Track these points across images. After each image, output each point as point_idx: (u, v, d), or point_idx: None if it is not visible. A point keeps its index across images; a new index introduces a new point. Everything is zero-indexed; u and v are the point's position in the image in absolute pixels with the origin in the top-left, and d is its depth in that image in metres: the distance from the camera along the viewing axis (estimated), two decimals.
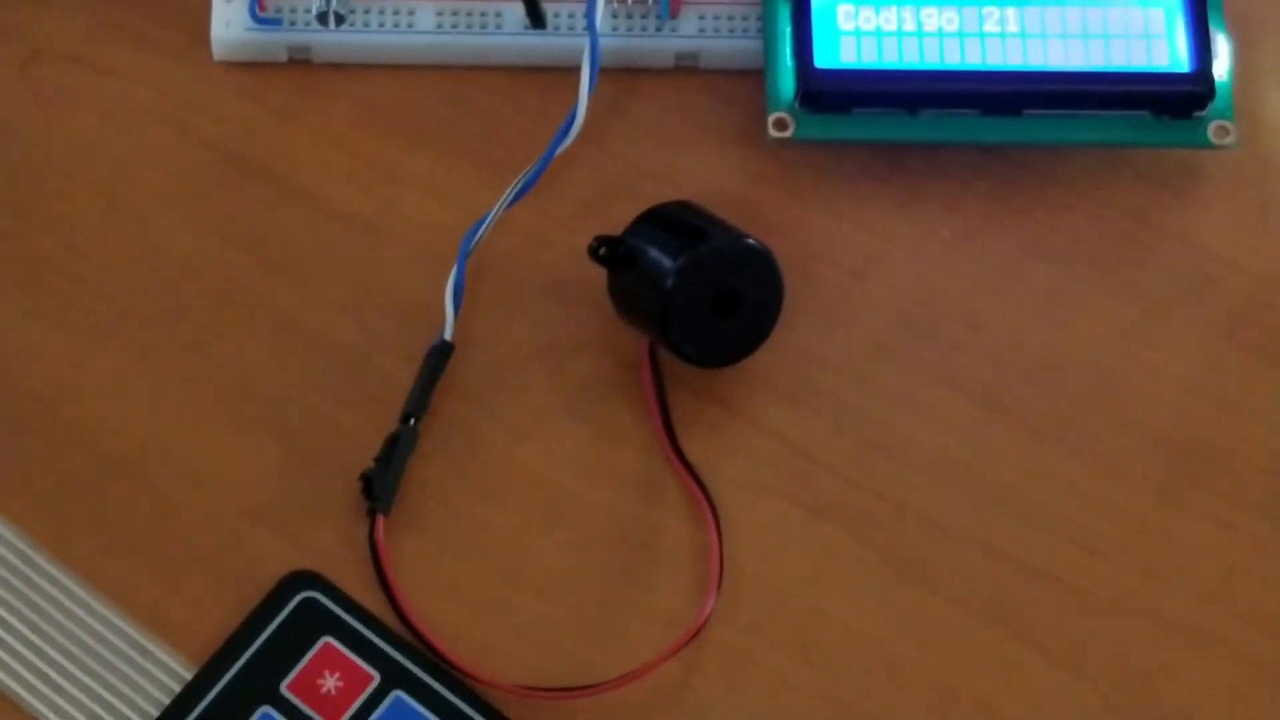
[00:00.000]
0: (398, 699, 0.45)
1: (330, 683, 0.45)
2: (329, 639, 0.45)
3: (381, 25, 0.52)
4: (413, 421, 0.47)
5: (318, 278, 0.50)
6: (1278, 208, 0.52)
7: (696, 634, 0.46)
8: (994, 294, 0.50)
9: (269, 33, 0.52)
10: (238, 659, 0.45)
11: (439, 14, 0.52)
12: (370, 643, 0.45)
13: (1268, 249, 0.51)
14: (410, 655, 0.45)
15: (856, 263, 0.51)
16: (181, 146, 0.51)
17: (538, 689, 0.45)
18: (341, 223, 0.50)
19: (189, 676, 0.45)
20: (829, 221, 0.51)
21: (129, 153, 0.51)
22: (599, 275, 0.49)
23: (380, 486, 0.46)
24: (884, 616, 0.47)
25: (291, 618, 0.46)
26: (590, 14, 0.50)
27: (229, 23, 0.52)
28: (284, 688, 0.45)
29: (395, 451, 0.47)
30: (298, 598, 0.46)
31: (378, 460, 0.47)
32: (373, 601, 0.46)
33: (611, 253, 0.48)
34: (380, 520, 0.46)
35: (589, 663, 0.46)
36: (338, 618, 0.46)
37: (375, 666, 0.45)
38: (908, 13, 0.51)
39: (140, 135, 0.51)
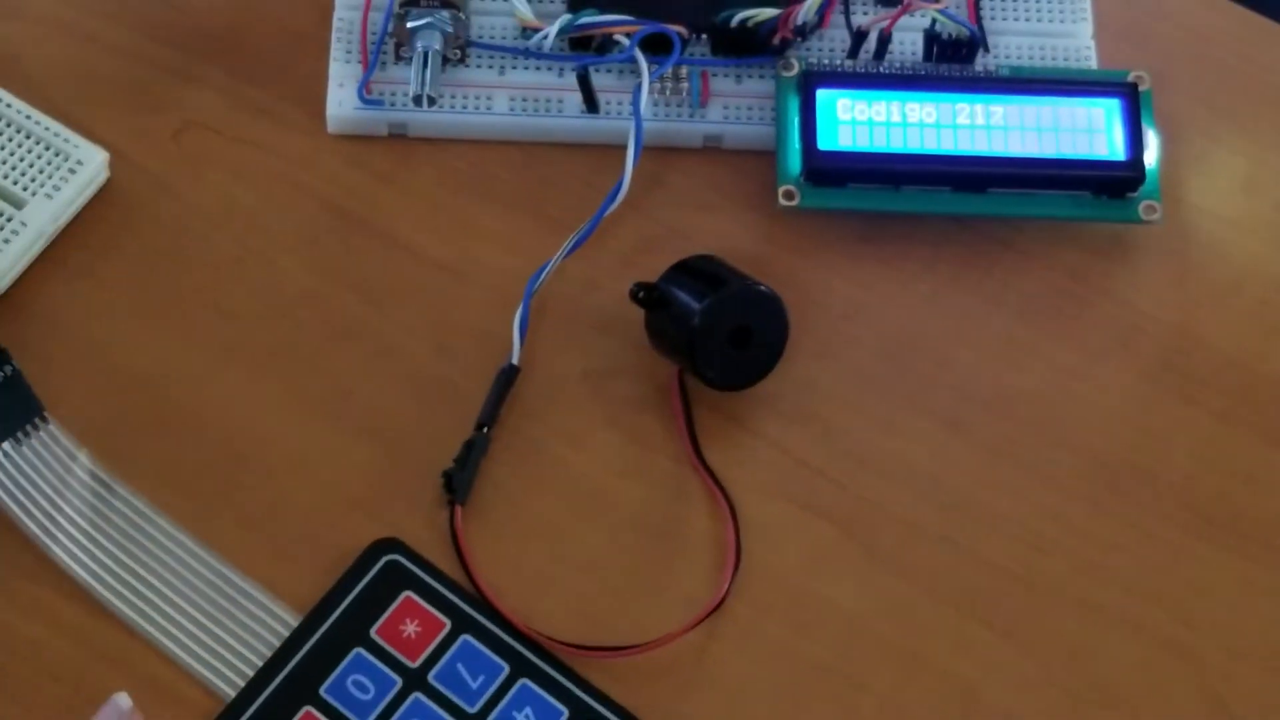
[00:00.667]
0: (465, 641, 0.46)
1: (410, 628, 0.46)
2: (409, 593, 0.47)
3: (465, 107, 0.53)
4: (485, 430, 0.48)
5: (408, 311, 0.51)
6: (1192, 272, 0.52)
7: (715, 609, 0.47)
8: (959, 338, 0.51)
9: (373, 111, 0.53)
10: (335, 610, 0.46)
11: (511, 99, 0.53)
12: (443, 597, 0.47)
13: (1184, 307, 0.52)
14: (476, 608, 0.46)
15: (847, 309, 0.52)
16: (300, 202, 0.52)
17: (579, 646, 0.46)
18: (428, 267, 0.51)
19: (296, 624, 0.46)
20: (826, 275, 0.52)
21: (258, 207, 0.52)
22: (638, 314, 0.50)
23: (459, 482, 0.48)
24: (865, 598, 0.48)
25: (378, 576, 0.47)
26: (635, 102, 0.52)
27: (341, 103, 0.53)
28: (372, 633, 0.46)
29: (471, 454, 0.48)
30: (383, 560, 0.47)
31: (456, 460, 0.48)
32: (446, 570, 0.47)
33: (648, 296, 0.49)
34: (458, 510, 0.47)
35: (623, 628, 0.47)
36: (416, 576, 0.47)
37: (448, 615, 0.46)
38: (894, 107, 0.52)
39: (267, 193, 0.52)
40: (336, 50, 0.53)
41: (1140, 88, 0.52)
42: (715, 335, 0.48)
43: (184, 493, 0.48)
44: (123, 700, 0.41)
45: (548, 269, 0.50)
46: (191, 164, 0.52)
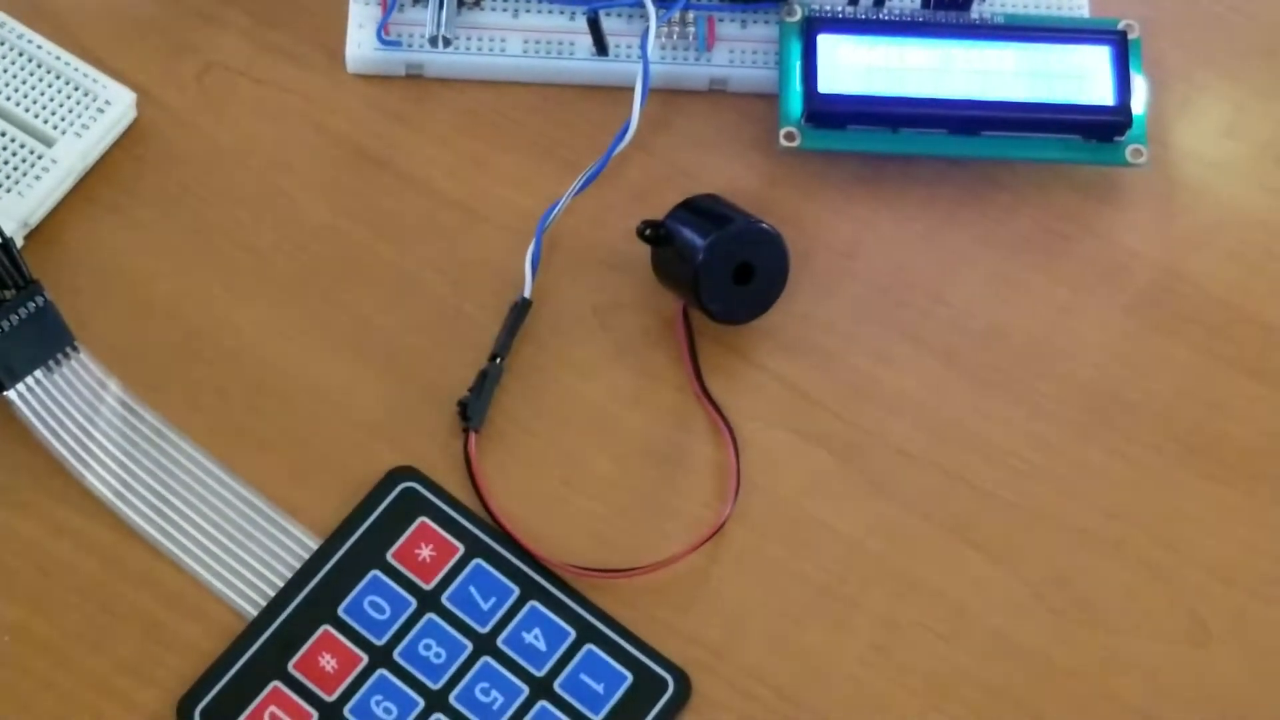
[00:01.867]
0: (478, 565, 0.46)
1: (425, 553, 0.46)
2: (424, 519, 0.46)
3: (479, 49, 0.52)
4: (499, 360, 0.48)
5: (425, 247, 0.50)
6: (1177, 214, 0.52)
7: (717, 531, 0.47)
8: (954, 274, 0.51)
9: (391, 52, 0.52)
10: (353, 533, 0.46)
11: (525, 41, 0.52)
12: (457, 522, 0.47)
13: (1168, 246, 0.52)
14: (489, 533, 0.46)
15: (846, 246, 0.51)
16: (320, 141, 0.51)
17: (587, 568, 0.46)
18: (444, 205, 0.51)
19: (315, 547, 0.46)
20: (826, 213, 0.52)
21: (279, 145, 0.51)
22: (644, 250, 0.49)
23: (473, 410, 0.47)
24: (861, 522, 0.48)
25: (395, 502, 0.47)
26: (643, 45, 0.51)
27: (360, 43, 0.52)
28: (389, 556, 0.46)
29: (485, 383, 0.48)
30: (400, 486, 0.47)
31: (471, 390, 0.48)
32: (460, 497, 0.47)
33: (655, 233, 0.49)
34: (473, 437, 0.47)
35: (630, 551, 0.47)
36: (431, 503, 0.47)
37: (461, 541, 0.46)
38: (894, 52, 0.51)
39: (288, 132, 0.51)
40: None
41: (1130, 35, 0.52)
42: (719, 271, 0.48)
43: (209, 419, 0.47)
44: None
45: (559, 207, 0.50)
46: (215, 104, 0.52)
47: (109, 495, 0.46)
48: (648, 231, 0.49)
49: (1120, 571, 0.47)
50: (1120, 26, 0.52)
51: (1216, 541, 0.48)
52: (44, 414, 0.46)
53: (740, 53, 0.53)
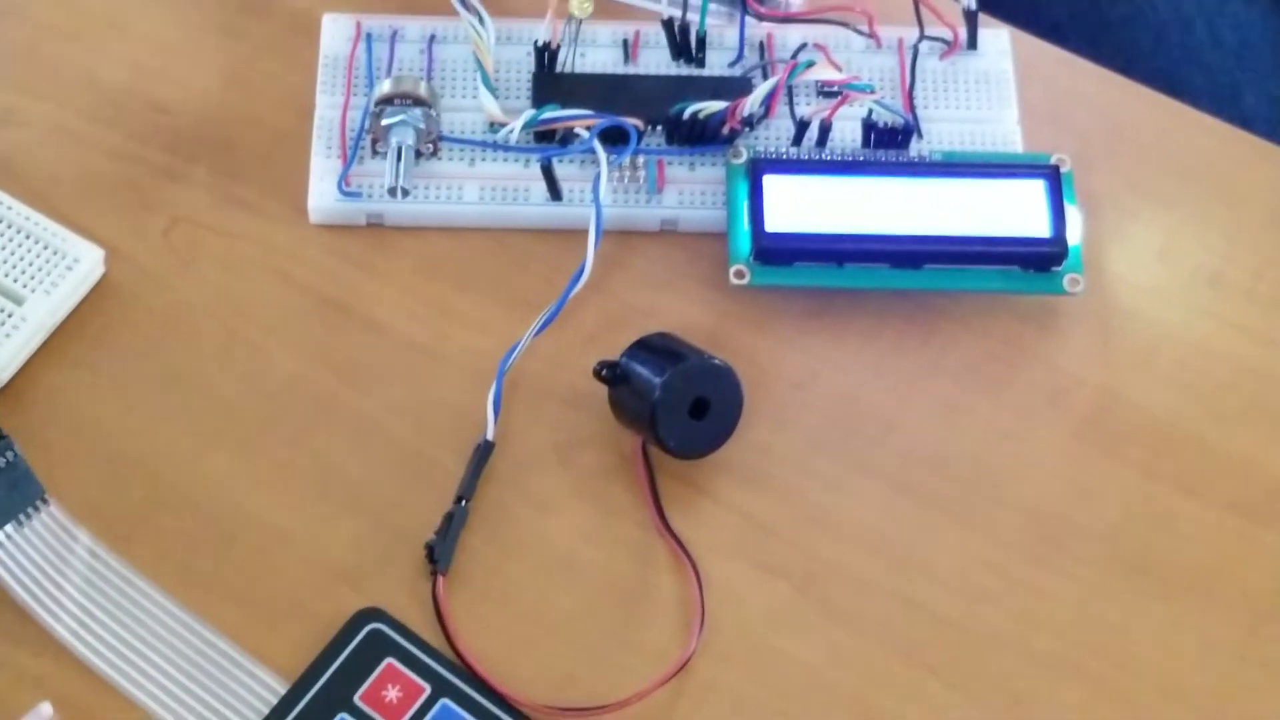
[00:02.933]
0: (445, 705, 0.45)
1: (392, 693, 0.45)
2: (391, 660, 0.46)
3: (437, 198, 0.52)
4: (464, 502, 0.48)
5: (388, 391, 0.50)
6: (1115, 338, 0.52)
7: (683, 667, 0.46)
8: (903, 402, 0.51)
9: (352, 202, 0.52)
10: (321, 676, 0.45)
11: (481, 189, 0.52)
12: (423, 663, 0.46)
13: (1108, 369, 0.52)
14: (454, 672, 0.45)
15: (798, 378, 0.51)
16: (284, 291, 0.51)
17: (554, 708, 0.45)
18: (406, 349, 0.50)
19: (284, 691, 0.45)
20: (777, 347, 0.51)
21: (245, 296, 0.51)
22: (602, 389, 0.49)
23: (440, 552, 0.47)
24: (820, 650, 0.47)
25: (362, 644, 0.46)
26: (596, 190, 0.51)
27: (322, 195, 0.52)
28: (356, 698, 0.45)
29: (451, 526, 0.47)
30: (366, 628, 0.46)
31: (437, 532, 0.47)
32: (427, 637, 0.46)
33: (611, 373, 0.49)
34: (440, 579, 0.47)
35: (597, 688, 0.46)
36: (397, 643, 0.46)
37: (428, 681, 0.45)
38: (837, 190, 0.51)
39: (253, 282, 0.51)
40: (317, 146, 0.53)
41: (1062, 169, 0.52)
42: (675, 407, 0.48)
43: (178, 568, 0.46)
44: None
45: (518, 348, 0.49)
46: (182, 258, 0.51)
47: (80, 647, 0.45)
48: (604, 371, 0.48)
49: (1075, 692, 0.46)
50: (1053, 161, 0.52)
51: (1167, 658, 0.47)
52: (14, 567, 0.45)
53: (689, 194, 0.53)
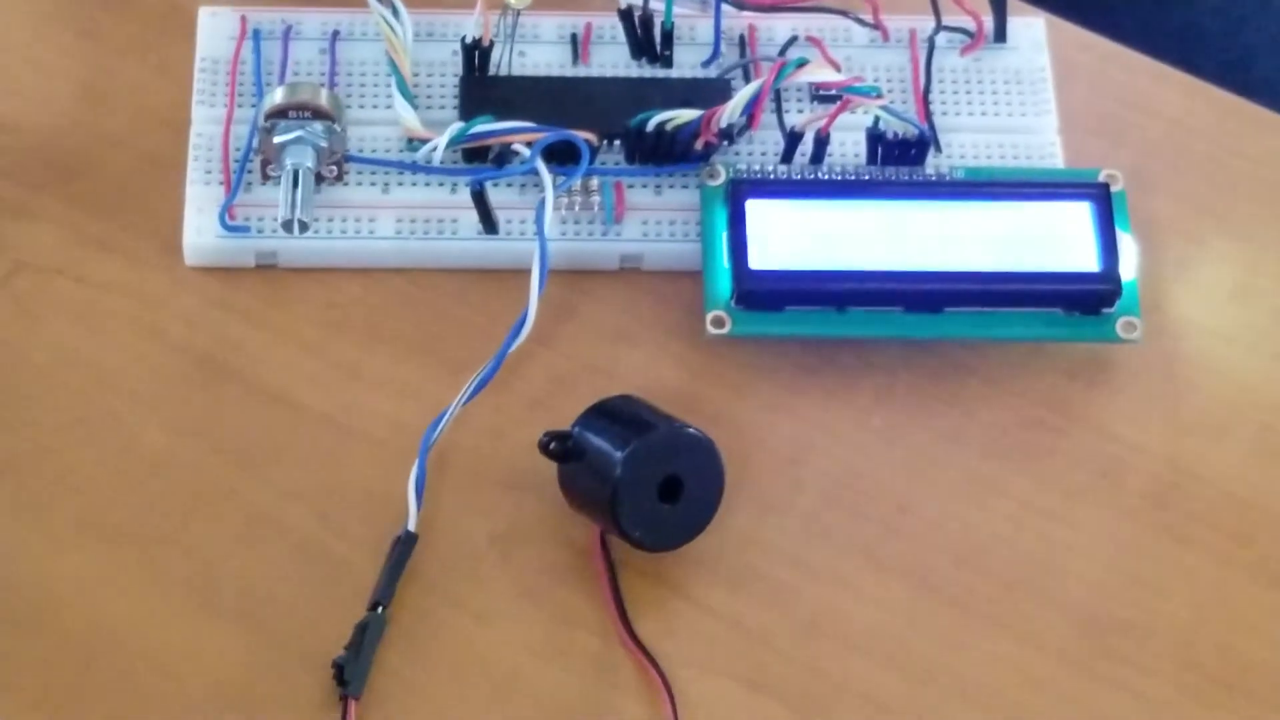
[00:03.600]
0: None
1: None
2: None
3: (344, 232, 0.53)
4: (380, 609, 0.48)
5: (285, 473, 0.51)
6: (1182, 395, 0.53)
7: None
8: (920, 479, 0.52)
9: (238, 240, 0.53)
10: None
11: (398, 221, 0.53)
12: None
13: (1174, 434, 0.53)
14: None
15: (791, 450, 0.52)
16: (154, 350, 0.52)
17: None
18: (307, 420, 0.51)
19: None
20: (765, 411, 0.53)
21: (104, 357, 0.51)
22: (550, 467, 0.50)
23: (351, 672, 0.47)
24: None
25: None
26: (539, 220, 0.52)
27: (201, 231, 0.53)
28: None
29: (364, 639, 0.48)
30: None
31: (348, 647, 0.48)
32: None
33: (561, 446, 0.49)
34: (352, 705, 0.47)
35: None
36: None
37: None
38: (836, 217, 0.53)
39: (115, 340, 0.52)
40: (194, 171, 0.54)
41: (1113, 188, 0.53)
42: (640, 488, 0.48)
43: (26, 698, 0.47)
44: None
45: (446, 418, 0.50)
46: (27, 311, 0.52)
47: None
48: (552, 445, 0.49)
49: None
50: (1101, 178, 0.54)
51: None
52: None
53: (655, 224, 0.54)
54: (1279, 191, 0.57)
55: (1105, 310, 0.52)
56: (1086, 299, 0.52)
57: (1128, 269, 0.53)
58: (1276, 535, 0.51)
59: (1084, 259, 0.52)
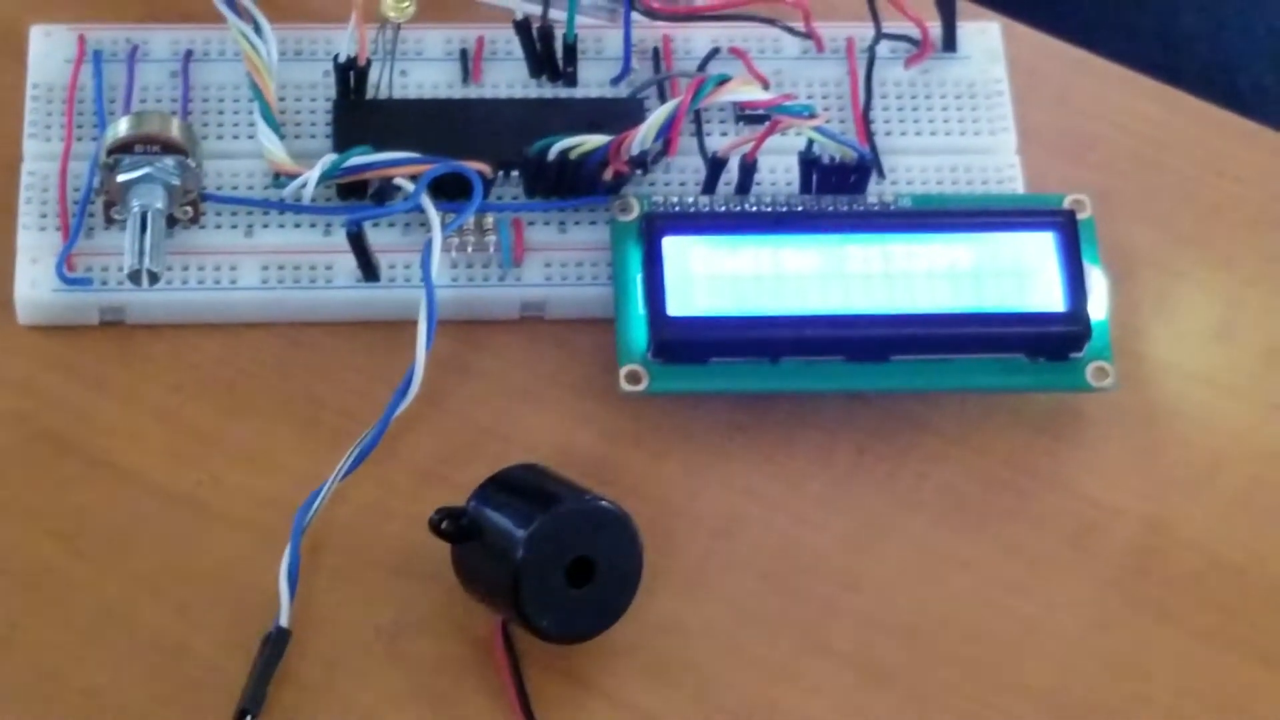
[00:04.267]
0: None
1: None
2: None
3: (201, 282, 0.53)
4: (249, 718, 0.48)
5: (136, 561, 0.50)
6: (1162, 448, 0.54)
7: None
8: (867, 551, 0.52)
9: (78, 293, 0.53)
10: None
11: (264, 268, 0.54)
12: None
13: (1153, 492, 0.53)
14: None
15: (720, 522, 0.52)
16: None
17: None
18: (161, 500, 0.51)
19: None
20: (690, 479, 0.53)
21: None
22: (443, 548, 0.50)
23: None
24: None
25: None
26: (426, 264, 0.52)
27: (35, 283, 0.53)
28: None
29: None
30: None
31: None
32: None
33: (454, 525, 0.50)
34: None
35: None
36: None
37: None
38: (765, 255, 0.53)
39: None
40: (26, 215, 0.54)
41: (1079, 215, 0.54)
42: (546, 571, 0.49)
43: None
44: None
45: (322, 494, 0.50)
46: None
47: None
48: (445, 523, 0.49)
49: None
50: (1066, 204, 0.55)
51: None
52: None
53: (560, 266, 0.54)
54: (1268, 215, 0.57)
55: (1073, 355, 0.53)
56: (1052, 342, 0.53)
57: (1098, 307, 0.53)
58: (1271, 605, 0.52)
59: (1048, 297, 0.53)
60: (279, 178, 0.54)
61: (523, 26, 0.56)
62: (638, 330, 0.52)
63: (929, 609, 0.51)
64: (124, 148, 0.53)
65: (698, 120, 0.56)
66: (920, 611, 0.51)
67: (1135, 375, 0.54)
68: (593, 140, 0.54)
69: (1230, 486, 0.53)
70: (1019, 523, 0.52)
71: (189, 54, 0.56)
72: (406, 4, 0.55)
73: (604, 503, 0.49)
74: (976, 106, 0.57)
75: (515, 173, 0.55)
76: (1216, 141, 0.58)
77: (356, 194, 0.54)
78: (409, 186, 0.53)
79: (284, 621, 0.49)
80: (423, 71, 0.57)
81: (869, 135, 0.56)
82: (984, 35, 0.58)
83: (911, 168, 0.56)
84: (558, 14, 0.56)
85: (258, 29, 0.55)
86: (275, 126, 0.54)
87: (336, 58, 0.55)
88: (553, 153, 0.54)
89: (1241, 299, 0.56)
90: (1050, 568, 0.52)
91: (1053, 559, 0.52)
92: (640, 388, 0.52)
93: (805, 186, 0.55)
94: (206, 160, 0.54)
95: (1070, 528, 0.52)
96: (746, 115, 0.56)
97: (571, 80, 0.57)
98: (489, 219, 0.54)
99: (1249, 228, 0.57)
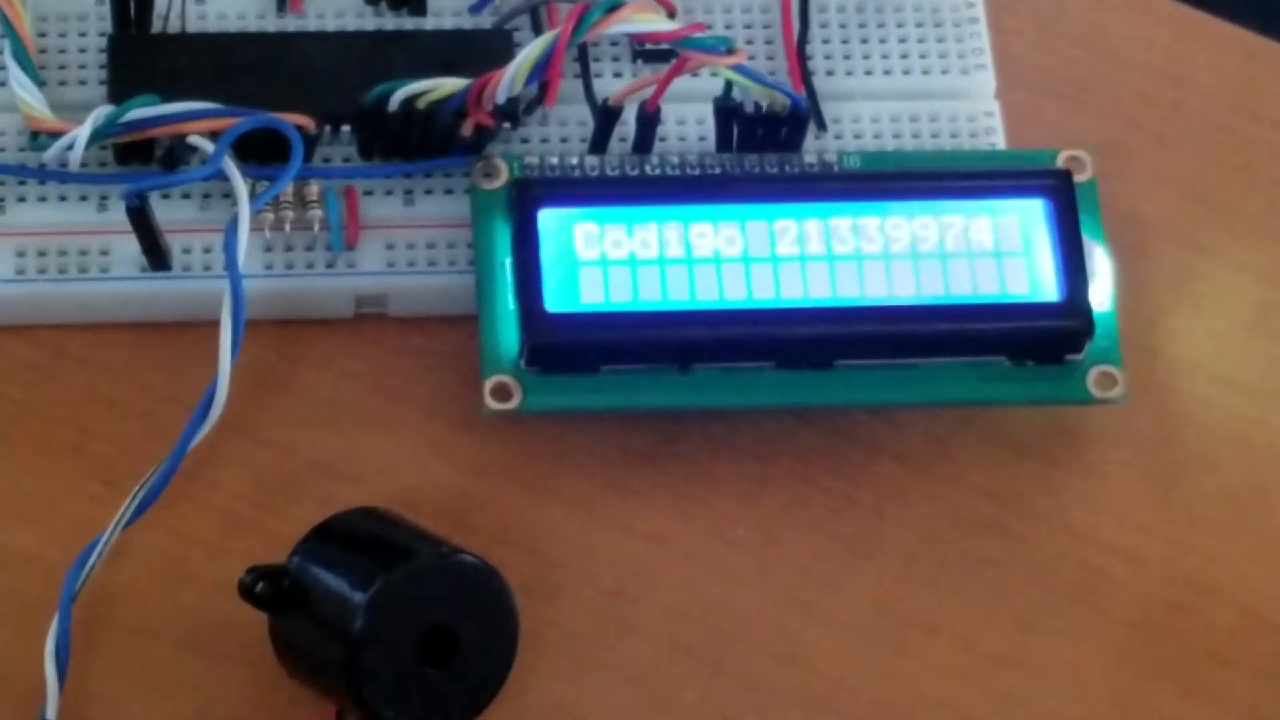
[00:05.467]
0: None
1: None
2: None
3: None
4: None
5: None
6: (1184, 474, 0.55)
7: None
8: (810, 611, 0.53)
9: None
10: None
11: (19, 254, 0.54)
12: None
13: (1177, 533, 0.54)
14: None
15: (618, 578, 0.53)
16: None
17: None
18: None
19: None
20: (578, 523, 0.53)
21: None
22: (259, 619, 0.50)
23: None
24: None
25: None
26: (230, 248, 0.52)
27: None
28: None
29: None
30: None
31: None
32: None
33: (273, 589, 0.49)
34: None
35: None
36: None
37: None
38: (672, 231, 0.54)
39: None
40: None
41: (1077, 176, 0.55)
42: (393, 646, 0.49)
43: None
44: None
45: (98, 550, 0.50)
46: None
47: None
48: (260, 586, 0.49)
49: None
50: (1060, 162, 0.55)
51: None
52: None
53: (406, 249, 0.55)
54: None
55: (1071, 357, 0.54)
56: (1043, 341, 0.54)
57: (1101, 296, 0.54)
58: None
59: (1038, 283, 0.54)
60: (37, 137, 0.54)
61: None
62: (507, 331, 0.53)
63: (889, 687, 0.52)
64: None
65: (583, 58, 0.56)
66: (877, 688, 0.52)
67: (1149, 382, 0.55)
68: (447, 85, 0.54)
69: (1273, 523, 0.54)
70: (1004, 573, 0.53)
71: None
72: None
73: (466, 556, 0.49)
74: (944, 37, 0.58)
75: (347, 128, 0.55)
76: (1253, 77, 0.59)
77: (140, 157, 0.54)
78: (208, 147, 0.53)
79: (51, 714, 0.49)
80: None
81: (805, 76, 0.57)
82: None
83: (860, 118, 0.57)
84: None
85: None
86: (31, 70, 0.54)
87: None
88: (394, 101, 0.54)
89: None
90: (1046, 631, 0.53)
91: (1049, 619, 0.53)
92: (511, 405, 0.52)
93: (723, 143, 0.55)
94: None
95: (1070, 579, 0.53)
96: (646, 51, 0.57)
97: (419, 7, 0.57)
98: (313, 188, 0.55)
99: None
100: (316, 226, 0.54)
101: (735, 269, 0.53)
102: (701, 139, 0.55)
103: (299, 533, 0.50)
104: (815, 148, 0.55)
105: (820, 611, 0.52)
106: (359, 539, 0.50)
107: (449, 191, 0.55)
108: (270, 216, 0.54)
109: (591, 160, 0.55)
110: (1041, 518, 0.53)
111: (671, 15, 0.56)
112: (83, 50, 0.56)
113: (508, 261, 0.53)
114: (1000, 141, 0.56)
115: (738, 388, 0.53)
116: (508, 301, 0.53)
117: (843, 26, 0.57)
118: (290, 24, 0.57)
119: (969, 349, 0.53)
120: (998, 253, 0.54)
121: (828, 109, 0.56)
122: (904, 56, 0.57)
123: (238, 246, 0.52)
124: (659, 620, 0.52)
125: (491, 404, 0.52)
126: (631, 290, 0.53)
